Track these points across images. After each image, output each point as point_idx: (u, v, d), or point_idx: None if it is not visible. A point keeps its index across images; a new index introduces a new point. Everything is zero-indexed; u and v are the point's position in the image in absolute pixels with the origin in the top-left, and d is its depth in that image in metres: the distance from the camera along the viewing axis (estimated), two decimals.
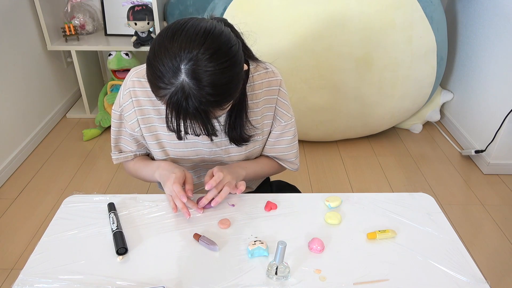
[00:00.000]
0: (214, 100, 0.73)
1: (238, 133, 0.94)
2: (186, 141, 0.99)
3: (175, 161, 1.03)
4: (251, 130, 0.97)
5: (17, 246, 1.67)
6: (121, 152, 1.06)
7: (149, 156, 1.10)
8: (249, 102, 0.94)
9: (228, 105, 0.79)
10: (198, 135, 0.80)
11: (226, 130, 0.94)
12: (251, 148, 1.03)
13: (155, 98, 0.95)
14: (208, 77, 0.70)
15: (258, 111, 0.99)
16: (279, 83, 0.98)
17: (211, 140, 0.98)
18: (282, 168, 1.15)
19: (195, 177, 1.10)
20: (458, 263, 0.81)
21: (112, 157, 1.07)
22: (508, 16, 1.99)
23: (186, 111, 0.73)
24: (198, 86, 0.70)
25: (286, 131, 1.04)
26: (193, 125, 0.76)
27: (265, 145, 1.07)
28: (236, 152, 1.02)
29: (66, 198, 0.97)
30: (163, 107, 0.96)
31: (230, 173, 0.95)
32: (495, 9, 2.09)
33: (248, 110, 0.94)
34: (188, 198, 0.90)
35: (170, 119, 0.77)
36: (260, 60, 0.96)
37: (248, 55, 0.90)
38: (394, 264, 0.81)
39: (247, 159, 1.06)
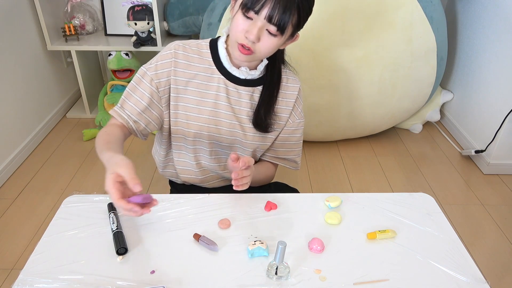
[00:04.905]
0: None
1: (262, 119, 1.02)
2: (209, 108, 1.02)
3: (194, 129, 1.03)
4: (274, 118, 1.05)
5: (17, 246, 1.67)
6: (122, 108, 0.99)
7: (120, 140, 0.96)
8: (279, 95, 1.05)
9: (288, 29, 0.87)
10: (270, 20, 0.84)
11: (253, 116, 1.02)
12: (267, 134, 1.08)
13: (193, 64, 1.00)
14: None
15: (283, 103, 1.07)
16: (299, 83, 1.10)
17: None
18: (272, 176, 1.19)
19: (212, 158, 1.09)
20: (458, 263, 0.81)
21: (114, 108, 1.00)
22: (508, 16, 1.99)
23: None
24: None
25: (298, 128, 1.11)
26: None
27: (276, 139, 1.11)
28: (251, 132, 1.06)
29: (66, 198, 0.97)
30: (198, 73, 1.00)
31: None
32: (495, 9, 2.09)
33: (278, 99, 1.05)
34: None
35: None
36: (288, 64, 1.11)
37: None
38: (394, 264, 0.81)
39: (260, 143, 1.09)
